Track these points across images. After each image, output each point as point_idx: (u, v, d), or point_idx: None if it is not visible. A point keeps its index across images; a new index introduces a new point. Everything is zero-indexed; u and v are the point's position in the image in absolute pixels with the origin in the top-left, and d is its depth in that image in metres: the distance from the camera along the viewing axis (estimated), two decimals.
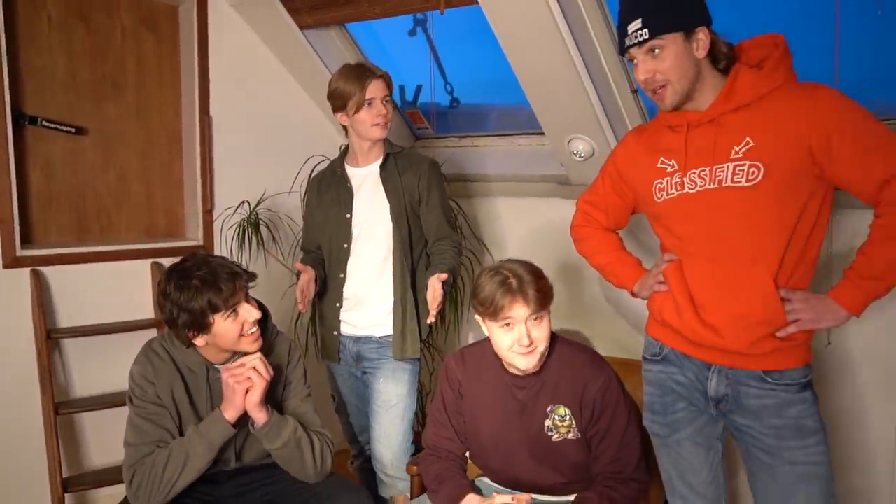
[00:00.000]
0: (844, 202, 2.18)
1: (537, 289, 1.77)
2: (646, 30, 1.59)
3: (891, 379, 2.24)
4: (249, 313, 1.84)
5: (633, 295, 1.93)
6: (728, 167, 1.60)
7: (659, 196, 1.73)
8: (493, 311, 1.78)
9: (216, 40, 3.16)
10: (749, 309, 1.60)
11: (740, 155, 1.59)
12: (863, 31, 2.22)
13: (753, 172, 1.57)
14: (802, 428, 1.63)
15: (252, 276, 1.88)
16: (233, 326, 1.83)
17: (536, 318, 1.78)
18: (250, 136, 3.31)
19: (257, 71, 3.32)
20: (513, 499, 1.78)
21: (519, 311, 1.76)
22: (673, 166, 1.70)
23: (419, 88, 3.56)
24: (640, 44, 1.61)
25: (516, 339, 1.78)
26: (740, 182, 1.58)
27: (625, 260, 1.97)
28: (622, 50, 1.67)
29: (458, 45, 3.30)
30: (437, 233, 2.39)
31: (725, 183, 1.60)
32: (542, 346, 1.80)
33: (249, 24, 3.25)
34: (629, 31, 1.62)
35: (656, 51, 1.60)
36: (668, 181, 1.71)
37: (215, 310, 1.79)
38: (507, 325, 1.79)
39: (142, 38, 3.12)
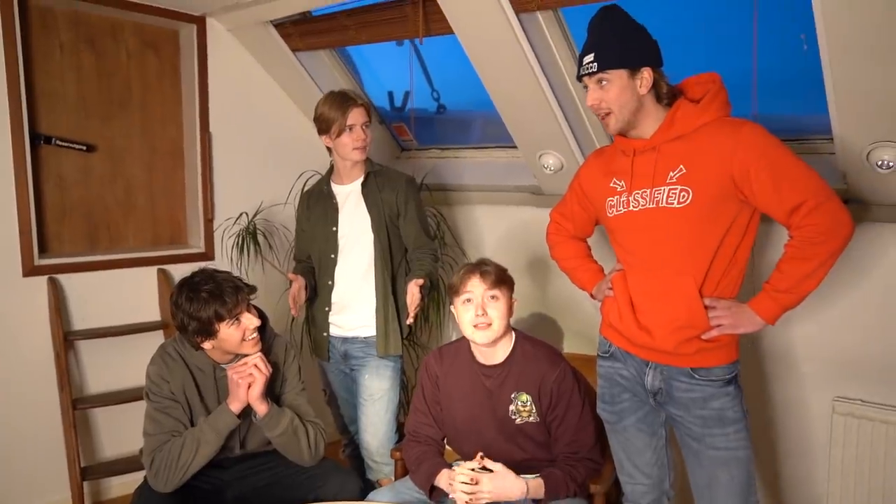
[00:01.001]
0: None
1: (494, 269, 2.08)
2: (595, 63, 1.81)
3: (826, 371, 2.49)
4: (250, 321, 2.09)
5: (592, 297, 2.19)
6: (664, 190, 1.82)
7: (610, 212, 1.96)
8: (456, 289, 2.09)
9: (215, 62, 3.37)
10: (676, 314, 1.83)
11: (674, 180, 1.81)
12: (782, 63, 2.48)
13: (684, 196, 1.79)
14: (724, 418, 1.86)
15: (252, 290, 2.13)
16: (236, 333, 2.08)
17: (493, 297, 2.07)
18: (248, 152, 3.52)
19: (253, 90, 3.53)
20: (477, 460, 2.00)
21: (476, 285, 2.06)
22: (622, 186, 1.92)
23: (406, 95, 3.71)
24: (590, 74, 1.83)
25: (475, 314, 2.06)
26: (673, 203, 1.80)
27: (587, 266, 2.22)
28: (578, 77, 1.89)
29: (443, 53, 3.43)
30: (415, 242, 2.62)
31: (661, 204, 1.82)
32: (496, 323, 2.07)
33: (246, 47, 3.46)
34: (584, 62, 1.84)
35: (603, 82, 1.82)
36: (617, 199, 1.93)
37: (221, 319, 2.04)
38: (468, 300, 2.08)
39: (145, 61, 3.34)
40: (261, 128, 3.57)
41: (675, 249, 1.83)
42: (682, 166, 1.80)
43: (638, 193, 1.87)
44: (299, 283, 2.58)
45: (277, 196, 3.53)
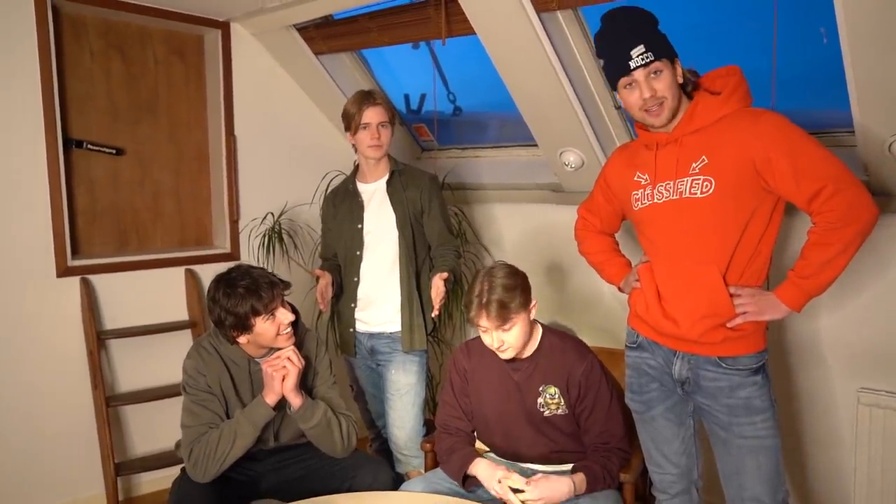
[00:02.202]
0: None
1: (500, 307, 2.03)
2: (650, 53, 1.82)
3: (851, 362, 2.52)
4: (285, 316, 2.14)
5: (620, 290, 2.23)
6: (687, 181, 1.86)
7: (636, 206, 1.99)
8: (470, 319, 2.12)
9: (239, 66, 3.44)
10: (701, 303, 1.86)
11: (697, 171, 1.84)
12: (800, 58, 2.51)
13: (706, 185, 1.82)
14: (751, 407, 1.88)
15: (287, 285, 2.19)
16: (271, 327, 2.13)
17: (504, 330, 2.08)
18: (272, 153, 3.59)
19: (277, 93, 3.60)
20: (527, 482, 2.02)
21: (485, 322, 2.07)
22: (646, 180, 1.95)
23: (423, 97, 3.78)
24: (647, 65, 1.83)
25: (490, 342, 2.11)
26: (696, 193, 1.83)
27: (614, 261, 2.25)
28: (625, 72, 1.84)
29: (459, 56, 3.49)
30: (438, 239, 2.67)
31: (685, 194, 1.85)
32: (512, 349, 2.11)
33: (269, 51, 3.53)
34: (633, 55, 1.82)
35: (657, 72, 1.83)
36: (642, 192, 1.97)
37: (257, 314, 2.09)
38: (484, 330, 2.11)
39: (172, 66, 3.42)
40: (284, 130, 3.63)
41: (700, 239, 1.86)
42: (704, 157, 1.84)
43: (662, 186, 1.91)
44: (326, 279, 2.64)
45: (302, 196, 3.59)
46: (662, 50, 1.83)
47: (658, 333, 1.97)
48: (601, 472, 2.08)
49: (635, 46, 1.83)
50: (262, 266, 2.22)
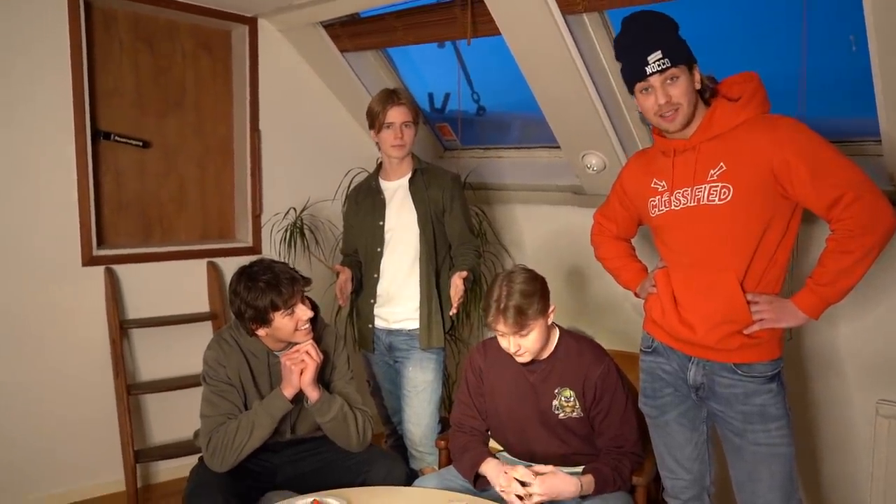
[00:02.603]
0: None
1: (517, 313, 2.03)
2: (667, 59, 1.81)
3: (870, 373, 2.49)
4: (304, 313, 2.17)
5: (636, 295, 2.23)
6: (705, 188, 1.85)
7: (653, 212, 1.99)
8: (488, 324, 2.12)
9: (265, 62, 3.48)
10: (718, 309, 1.86)
11: (715, 177, 1.84)
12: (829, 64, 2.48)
13: (725, 193, 1.81)
14: (766, 414, 1.87)
15: (308, 282, 2.21)
16: (289, 323, 2.16)
17: (521, 336, 2.08)
18: (296, 149, 3.63)
19: (302, 90, 3.64)
20: (532, 472, 2.04)
21: (502, 327, 2.07)
22: (663, 186, 1.95)
23: (447, 97, 3.80)
24: (662, 71, 1.82)
25: (507, 346, 2.12)
26: (714, 201, 1.83)
27: (631, 266, 2.25)
28: (641, 77, 1.85)
29: (484, 56, 3.48)
30: (459, 238, 2.69)
31: (703, 202, 1.85)
32: (529, 353, 2.11)
33: (295, 48, 3.56)
34: (650, 61, 1.83)
35: (673, 79, 1.83)
36: (659, 199, 1.96)
37: (276, 308, 2.12)
38: (501, 335, 2.11)
39: (199, 61, 3.46)
40: (309, 126, 3.67)
41: (717, 246, 1.86)
42: (722, 164, 1.83)
43: (679, 192, 1.91)
44: (346, 274, 2.66)
45: (324, 192, 3.62)
46: (680, 56, 1.83)
47: (673, 339, 1.97)
48: (611, 474, 2.08)
49: (653, 52, 1.83)
50: (284, 261, 2.24)
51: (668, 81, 1.83)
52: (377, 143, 2.69)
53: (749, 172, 1.80)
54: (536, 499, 1.99)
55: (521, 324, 2.05)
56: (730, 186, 1.81)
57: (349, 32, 3.35)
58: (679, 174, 1.91)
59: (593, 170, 3.00)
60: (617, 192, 2.19)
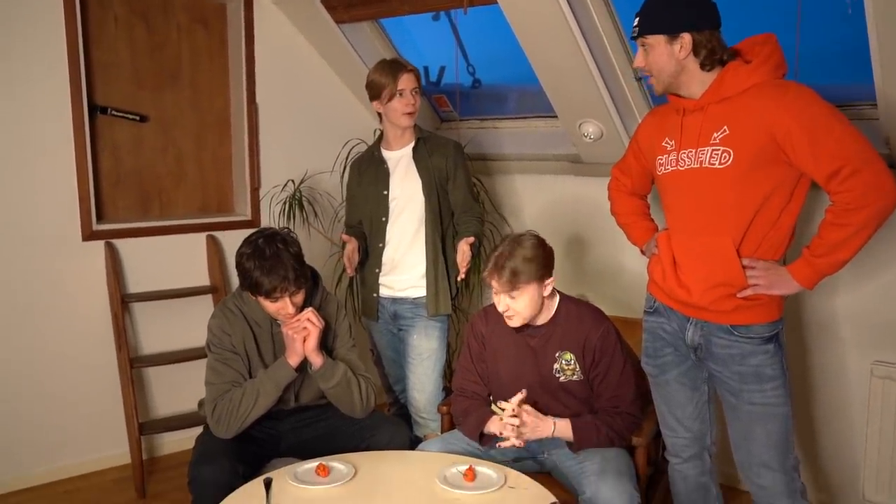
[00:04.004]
0: None
1: (511, 274, 2.07)
2: (638, 28, 1.87)
3: (868, 336, 2.54)
4: (286, 307, 2.14)
5: (642, 253, 2.24)
6: (707, 150, 1.86)
7: (660, 170, 2.00)
8: (483, 279, 2.16)
9: (261, 35, 3.46)
10: (713, 272, 1.88)
11: (717, 141, 1.84)
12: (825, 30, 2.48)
13: (725, 157, 1.82)
14: (761, 375, 1.90)
15: (301, 285, 2.15)
16: (270, 307, 2.17)
17: (511, 297, 2.11)
18: (293, 122, 3.62)
19: (298, 62, 3.62)
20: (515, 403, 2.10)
21: (496, 285, 2.11)
22: (672, 146, 1.95)
23: (442, 70, 3.79)
24: (634, 38, 1.89)
25: (497, 304, 2.15)
26: (715, 164, 1.84)
27: (640, 224, 2.25)
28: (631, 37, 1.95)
29: (479, 29, 3.50)
30: (462, 206, 2.72)
31: (704, 164, 1.86)
32: (518, 317, 2.14)
33: (291, 20, 3.54)
34: (633, 24, 1.89)
35: (645, 46, 1.87)
36: (666, 158, 1.97)
37: (258, 292, 2.13)
38: (494, 293, 2.15)
39: (195, 34, 3.44)
40: (305, 98, 3.66)
41: (716, 209, 1.87)
42: (725, 127, 1.83)
43: (685, 153, 1.91)
44: (353, 244, 2.68)
45: (322, 164, 3.62)
46: (653, 26, 1.85)
47: (673, 300, 2.00)
48: (593, 423, 2.13)
49: (636, 17, 1.88)
50: (299, 247, 2.20)
51: (643, 48, 1.88)
52: (380, 114, 2.69)
53: (751, 138, 1.79)
54: (526, 432, 2.07)
55: (512, 284, 2.08)
56: (730, 151, 1.82)
57: (344, 3, 3.33)
58: (686, 135, 1.92)
59: (590, 138, 3.01)
60: (633, 147, 2.20)
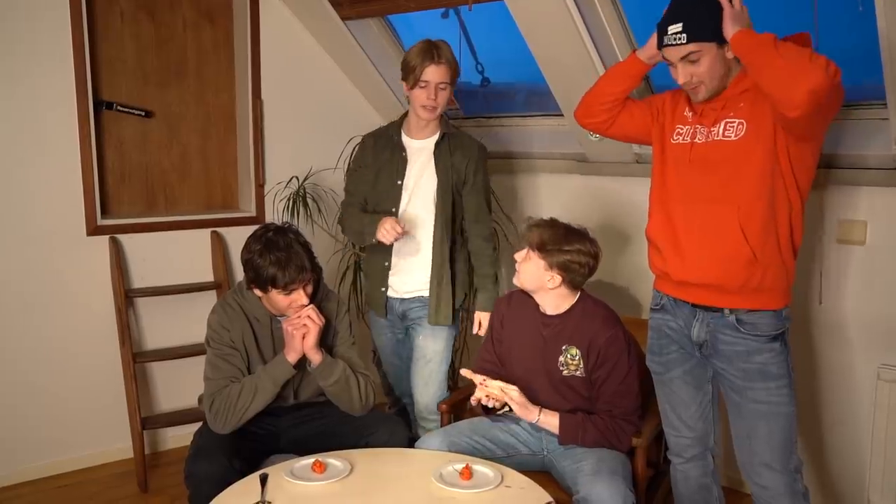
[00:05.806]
0: (841, 178, 2.45)
1: (538, 236, 2.18)
2: (684, 35, 1.78)
3: (872, 339, 2.51)
4: (300, 299, 2.16)
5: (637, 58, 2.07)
6: (722, 123, 1.86)
7: (675, 139, 1.97)
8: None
9: (267, 31, 3.45)
10: (717, 245, 1.86)
11: (732, 115, 1.85)
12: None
13: (739, 128, 1.82)
14: (766, 373, 1.89)
15: (318, 273, 2.20)
16: (283, 300, 2.17)
17: (525, 258, 2.21)
18: (298, 118, 3.61)
19: (304, 58, 3.61)
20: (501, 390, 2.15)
21: (522, 240, 2.23)
22: (691, 118, 1.94)
23: None
24: (677, 46, 1.80)
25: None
26: (729, 136, 1.83)
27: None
28: (659, 46, 1.86)
29: (488, 27, 3.47)
30: (475, 214, 2.60)
31: (718, 136, 1.86)
32: (523, 276, 2.22)
33: (297, 16, 3.53)
34: (669, 32, 1.81)
35: (692, 55, 1.80)
36: (685, 129, 1.95)
37: (275, 286, 2.13)
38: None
39: (201, 30, 3.44)
40: (311, 95, 3.65)
41: (725, 182, 1.86)
42: (742, 104, 1.84)
43: (701, 128, 1.91)
44: (388, 219, 2.45)
45: (327, 161, 3.60)
46: (706, 32, 1.78)
47: (677, 286, 1.98)
48: (581, 421, 2.13)
49: (674, 22, 1.80)
50: (305, 240, 2.23)
51: (689, 58, 1.81)
52: (407, 97, 2.54)
53: (766, 112, 1.78)
54: (513, 394, 2.14)
55: (538, 244, 2.18)
56: (744, 122, 1.82)
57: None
58: (708, 110, 1.90)
59: (596, 137, 2.98)
60: (651, 100, 2.12)
